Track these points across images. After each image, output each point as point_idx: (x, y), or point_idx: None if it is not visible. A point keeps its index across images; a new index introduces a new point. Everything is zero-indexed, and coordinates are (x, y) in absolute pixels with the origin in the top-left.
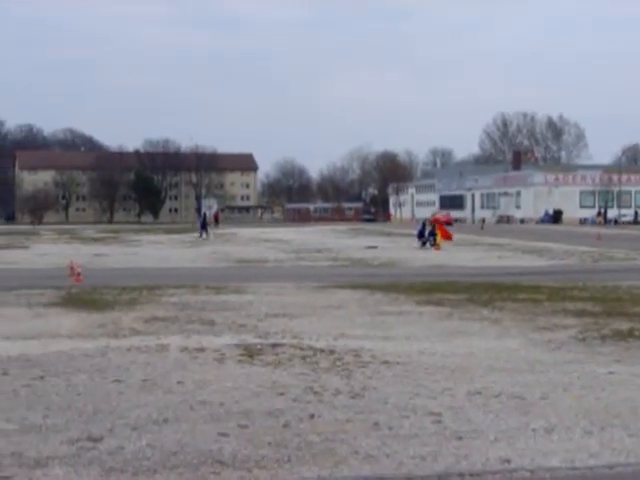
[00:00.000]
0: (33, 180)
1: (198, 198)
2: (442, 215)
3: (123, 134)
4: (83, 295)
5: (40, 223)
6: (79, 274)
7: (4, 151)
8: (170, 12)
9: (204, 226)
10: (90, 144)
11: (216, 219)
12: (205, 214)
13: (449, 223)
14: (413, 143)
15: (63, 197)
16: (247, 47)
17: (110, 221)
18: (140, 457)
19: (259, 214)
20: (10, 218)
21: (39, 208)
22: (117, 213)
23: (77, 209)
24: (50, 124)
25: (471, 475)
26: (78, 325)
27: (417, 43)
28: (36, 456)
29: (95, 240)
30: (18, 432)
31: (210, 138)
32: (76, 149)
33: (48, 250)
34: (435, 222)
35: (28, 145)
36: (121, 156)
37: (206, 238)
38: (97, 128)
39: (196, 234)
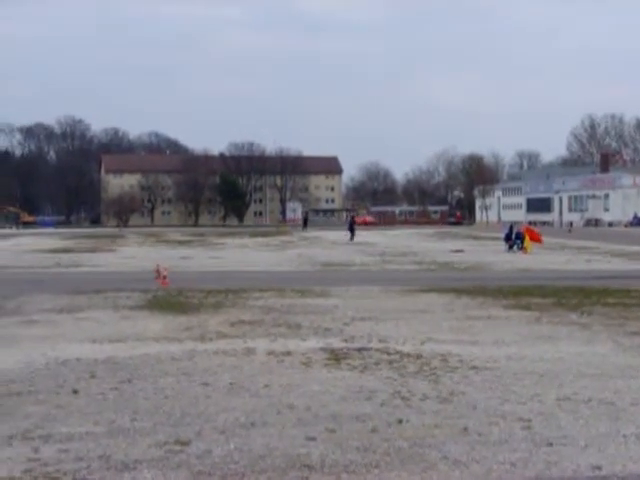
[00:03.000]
0: (118, 183)
1: (283, 201)
2: None
3: (208, 137)
4: (169, 298)
5: (125, 226)
6: (165, 277)
7: (90, 154)
8: (251, 15)
9: (352, 229)
10: (175, 147)
11: (305, 222)
12: (353, 217)
13: None
14: (499, 145)
15: (148, 200)
16: (331, 49)
17: (195, 224)
18: (228, 461)
19: (344, 217)
20: (95, 221)
21: (124, 211)
22: (202, 216)
23: (162, 212)
24: (135, 128)
25: None
26: (165, 328)
27: (502, 44)
28: (124, 459)
29: (180, 243)
30: (106, 435)
31: (295, 141)
32: (161, 152)
33: (134, 253)
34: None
35: (113, 148)
36: (206, 159)
37: (351, 240)
38: (182, 131)
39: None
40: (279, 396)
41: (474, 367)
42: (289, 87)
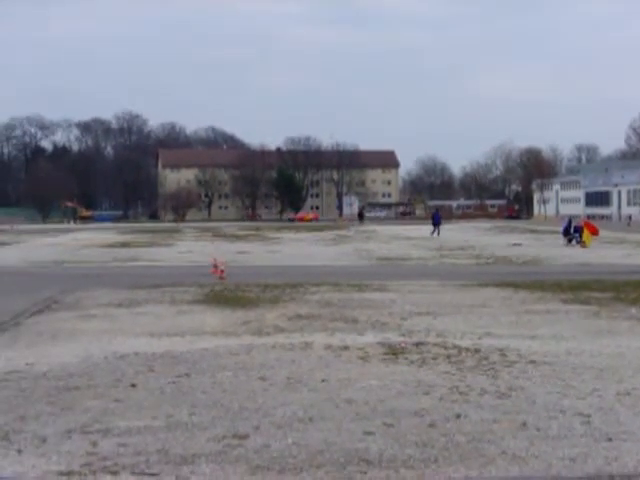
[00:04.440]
0: (176, 178)
1: (339, 196)
2: None
3: (265, 132)
4: (226, 292)
5: (183, 221)
6: (222, 271)
7: (147, 149)
8: (308, 9)
9: (437, 223)
10: (232, 142)
11: (360, 216)
12: (437, 210)
13: None
14: (557, 139)
15: (205, 195)
16: (389, 44)
17: (252, 218)
18: (286, 455)
19: (401, 211)
20: (153, 216)
21: (182, 206)
22: (258, 210)
23: (219, 207)
24: (192, 122)
25: (622, 477)
26: (222, 322)
27: (562, 36)
28: (183, 453)
29: (237, 238)
30: (164, 429)
31: (351, 135)
32: (218, 147)
33: (191, 248)
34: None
35: (171, 143)
36: (263, 154)
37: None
38: (239, 126)
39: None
40: (337, 391)
41: (533, 362)
42: (345, 81)
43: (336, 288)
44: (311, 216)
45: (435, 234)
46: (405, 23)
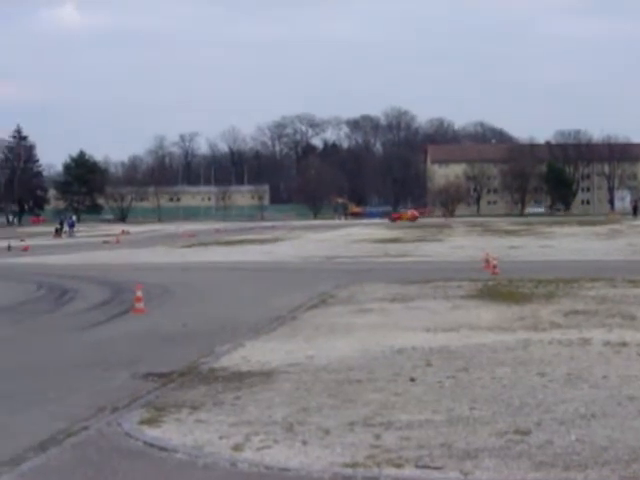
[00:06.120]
0: (444, 173)
1: (610, 190)
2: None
3: (534, 126)
4: (500, 288)
5: (451, 216)
6: (495, 266)
7: (415, 145)
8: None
9: None
10: (500, 137)
11: (635, 210)
12: None
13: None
14: None
15: (474, 190)
16: None
17: (521, 213)
18: (570, 452)
19: None
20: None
21: (450, 201)
22: (528, 205)
23: (488, 202)
24: (461, 118)
25: None
26: (497, 318)
27: None
28: (465, 448)
29: (508, 232)
30: (446, 423)
31: (623, 128)
32: (486, 142)
33: (461, 243)
34: None
35: (438, 139)
36: (532, 148)
37: None
38: (508, 121)
39: None
40: (618, 387)
41: None
42: (615, 73)
43: (611, 283)
44: (409, 214)
45: None
46: None
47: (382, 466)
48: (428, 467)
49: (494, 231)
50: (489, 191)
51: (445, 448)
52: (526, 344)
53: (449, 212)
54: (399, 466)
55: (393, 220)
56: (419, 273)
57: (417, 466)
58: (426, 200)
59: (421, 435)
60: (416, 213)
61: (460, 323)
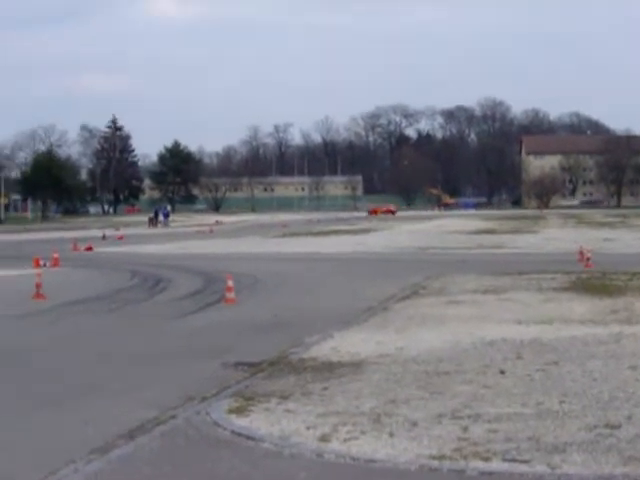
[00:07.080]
0: (539, 165)
1: None
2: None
3: (631, 117)
4: (593, 280)
5: (546, 207)
6: (589, 259)
7: (510, 136)
8: None
9: None
10: (596, 128)
11: None
12: None
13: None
14: None
15: (569, 181)
16: None
17: (618, 205)
18: None
19: None
20: (516, 203)
21: (545, 193)
22: (624, 197)
23: (583, 193)
24: (556, 108)
25: None
26: (590, 310)
27: None
28: (554, 441)
29: (602, 224)
30: (534, 417)
31: None
32: (582, 133)
33: (556, 235)
34: None
35: (533, 130)
36: (628, 140)
37: None
38: (604, 112)
39: None
40: None
41: None
42: None
43: None
44: (384, 209)
45: None
46: None
47: (469, 459)
48: (515, 460)
49: (588, 223)
50: (585, 182)
51: (533, 442)
52: (618, 337)
53: (544, 203)
54: (486, 459)
55: (370, 214)
56: (512, 265)
57: (504, 459)
58: (520, 191)
59: (509, 428)
60: (392, 208)
61: (552, 316)
